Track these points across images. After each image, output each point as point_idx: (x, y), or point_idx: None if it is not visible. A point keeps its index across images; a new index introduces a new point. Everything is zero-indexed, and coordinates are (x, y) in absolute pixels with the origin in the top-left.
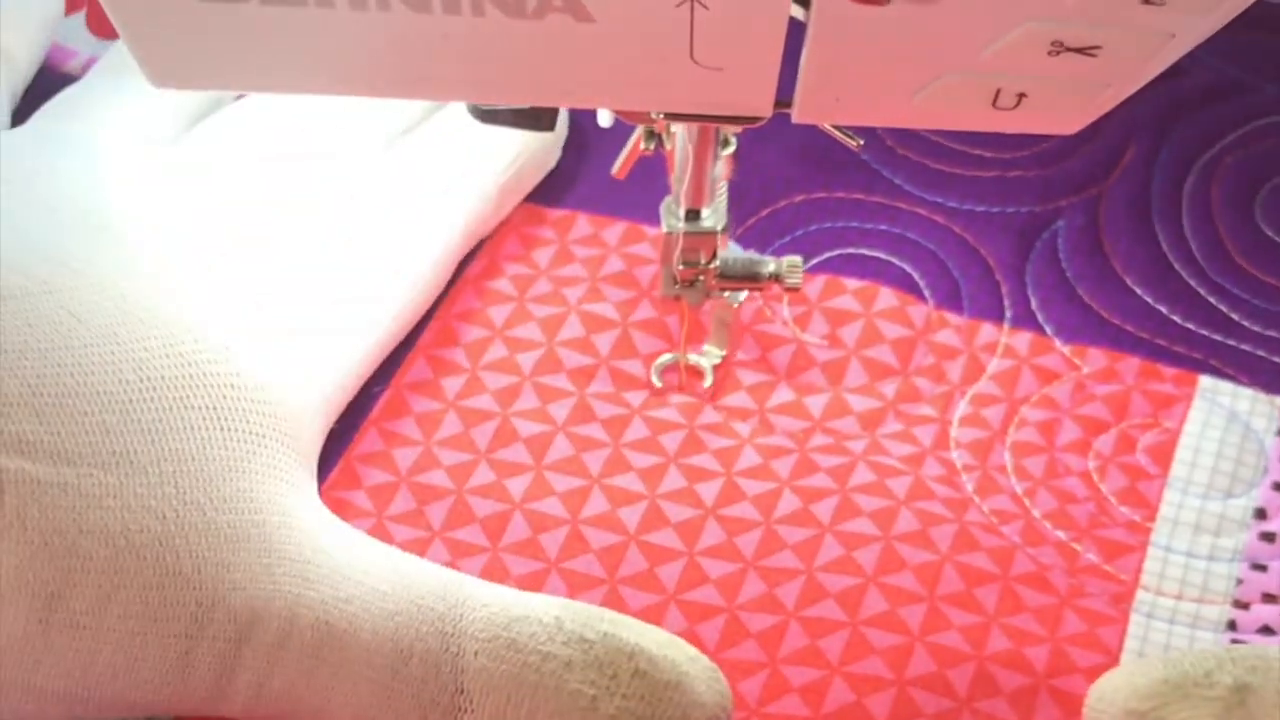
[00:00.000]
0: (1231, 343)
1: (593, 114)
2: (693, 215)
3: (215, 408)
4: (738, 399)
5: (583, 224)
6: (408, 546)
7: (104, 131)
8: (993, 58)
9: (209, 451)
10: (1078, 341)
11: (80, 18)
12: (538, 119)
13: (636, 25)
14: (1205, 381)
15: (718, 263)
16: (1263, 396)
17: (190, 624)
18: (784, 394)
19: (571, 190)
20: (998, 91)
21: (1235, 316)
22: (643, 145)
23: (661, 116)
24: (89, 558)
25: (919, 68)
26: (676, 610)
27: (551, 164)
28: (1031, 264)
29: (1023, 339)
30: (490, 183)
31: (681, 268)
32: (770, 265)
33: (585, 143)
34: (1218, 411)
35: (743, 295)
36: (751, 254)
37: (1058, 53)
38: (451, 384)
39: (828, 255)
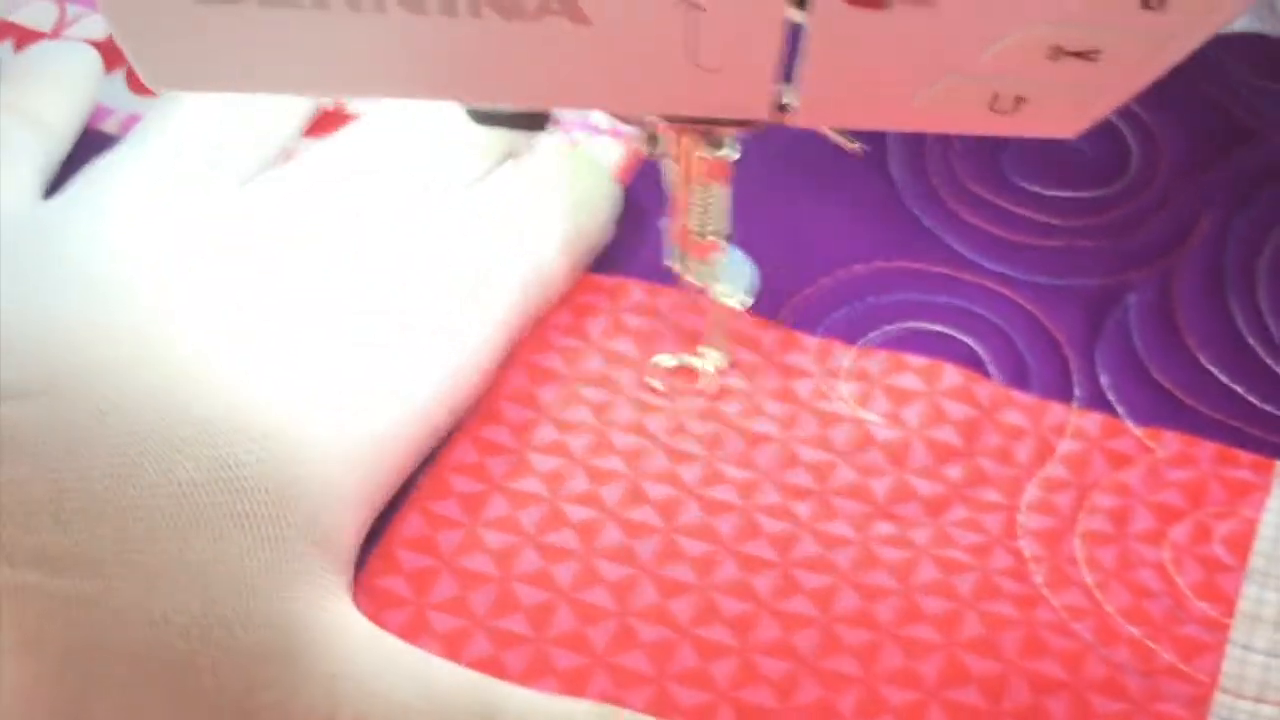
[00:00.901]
0: None
1: (645, 181)
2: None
3: (246, 514)
4: (798, 477)
5: (636, 292)
6: (449, 637)
7: (137, 205)
8: (992, 61)
9: (238, 562)
10: (1151, 424)
11: (120, 76)
12: (533, 120)
13: (633, 27)
14: None
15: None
16: None
17: None
18: (846, 474)
19: (624, 256)
20: (996, 95)
21: None
22: (643, 148)
23: (660, 119)
24: (109, 677)
25: (917, 71)
26: (729, 710)
27: (610, 228)
28: (1101, 340)
29: (1093, 420)
30: (550, 248)
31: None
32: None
33: (637, 205)
34: None
35: (745, 297)
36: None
37: (1057, 57)
38: (497, 465)
39: (887, 329)
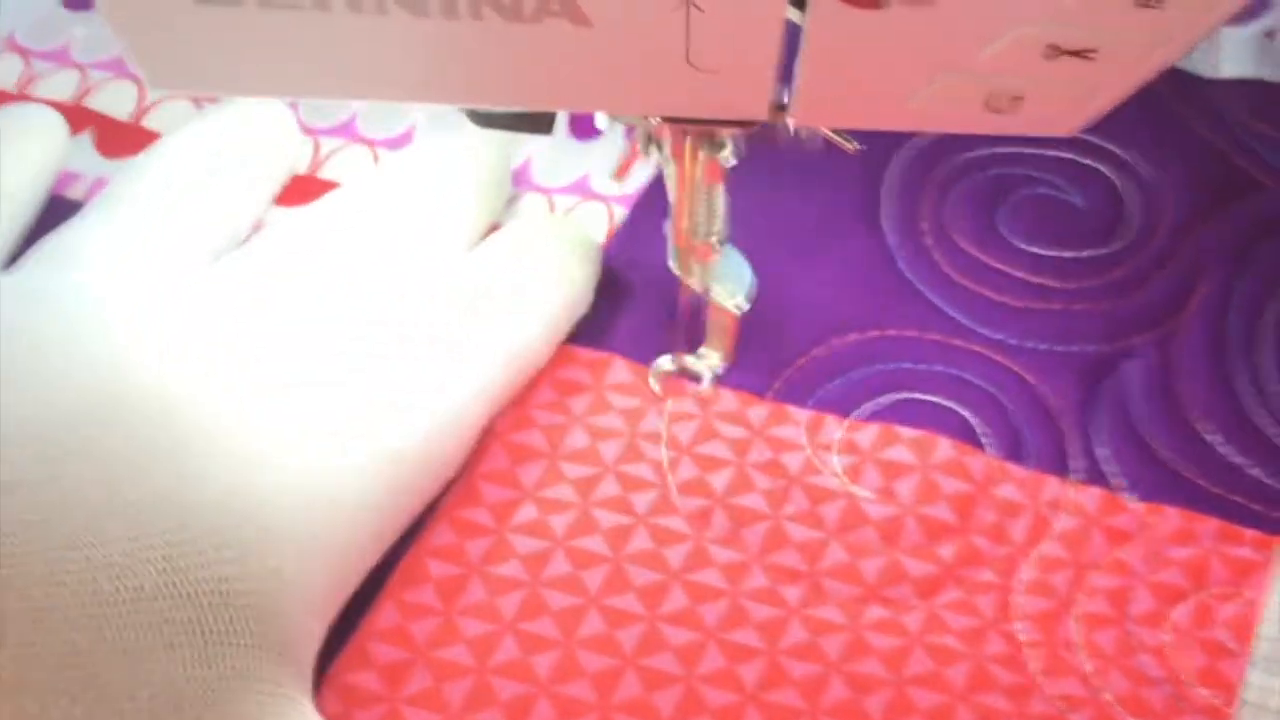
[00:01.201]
0: None
1: (632, 249)
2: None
3: (200, 621)
4: (787, 557)
5: (620, 369)
6: None
7: (98, 281)
8: (988, 60)
9: (191, 673)
10: (1151, 499)
11: (88, 138)
12: (535, 122)
13: (633, 29)
14: None
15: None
16: None
17: None
18: (836, 554)
19: (607, 330)
20: (993, 94)
21: None
22: (641, 149)
23: (659, 120)
24: None
25: (914, 71)
26: None
27: (585, 306)
28: (1098, 410)
29: (1091, 495)
30: (529, 339)
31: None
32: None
33: (623, 278)
34: None
35: (740, 298)
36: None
37: (1054, 56)
38: (476, 547)
39: (879, 400)
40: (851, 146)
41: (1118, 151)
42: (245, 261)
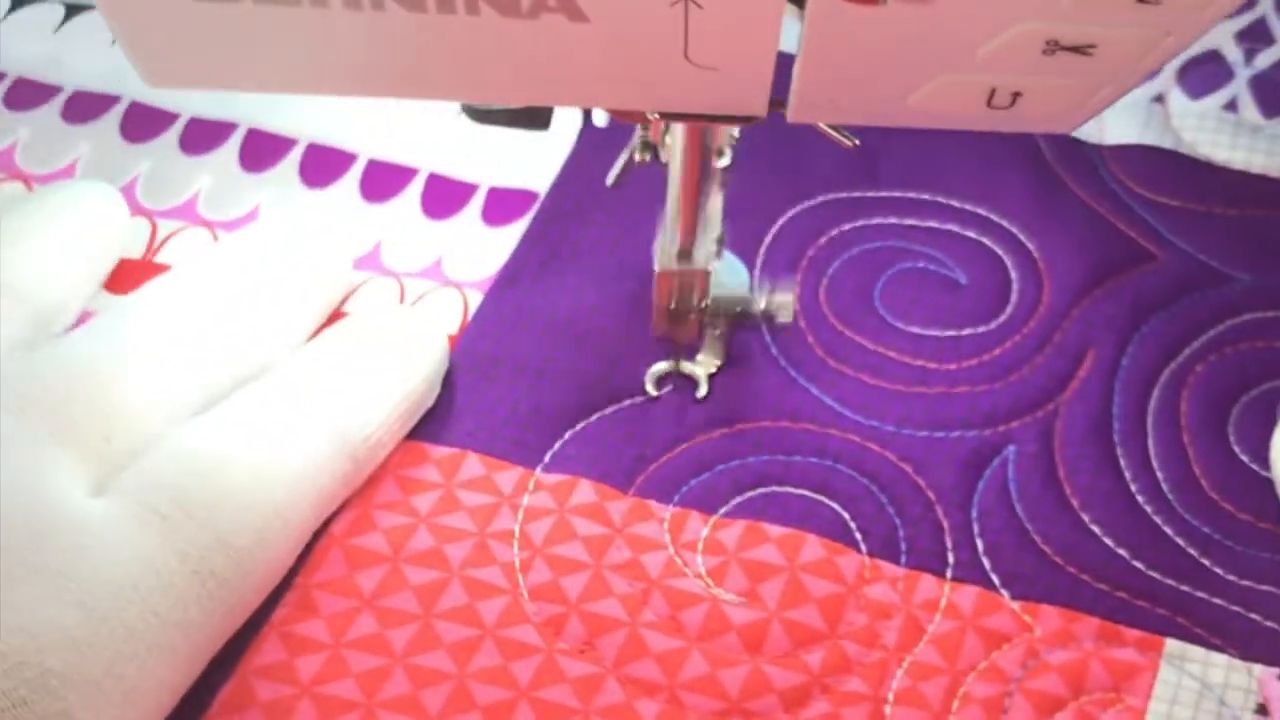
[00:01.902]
0: (1202, 595)
1: (487, 337)
2: (684, 255)
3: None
4: (645, 668)
5: (473, 464)
6: None
7: None
8: (988, 57)
9: None
10: (1029, 597)
11: None
12: (533, 119)
13: (631, 24)
14: (1172, 645)
15: (709, 300)
16: (1238, 664)
17: None
18: (697, 665)
19: (462, 423)
20: (993, 91)
21: (1206, 562)
22: (638, 156)
23: (657, 116)
24: None
25: (914, 68)
26: None
27: (429, 403)
28: (979, 500)
29: (968, 594)
30: (372, 430)
31: (674, 305)
32: (761, 303)
33: (477, 369)
34: (1187, 684)
35: (738, 306)
36: (741, 291)
37: (1053, 52)
38: (309, 665)
39: (749, 495)
40: (850, 143)
41: (1002, 222)
42: (61, 351)
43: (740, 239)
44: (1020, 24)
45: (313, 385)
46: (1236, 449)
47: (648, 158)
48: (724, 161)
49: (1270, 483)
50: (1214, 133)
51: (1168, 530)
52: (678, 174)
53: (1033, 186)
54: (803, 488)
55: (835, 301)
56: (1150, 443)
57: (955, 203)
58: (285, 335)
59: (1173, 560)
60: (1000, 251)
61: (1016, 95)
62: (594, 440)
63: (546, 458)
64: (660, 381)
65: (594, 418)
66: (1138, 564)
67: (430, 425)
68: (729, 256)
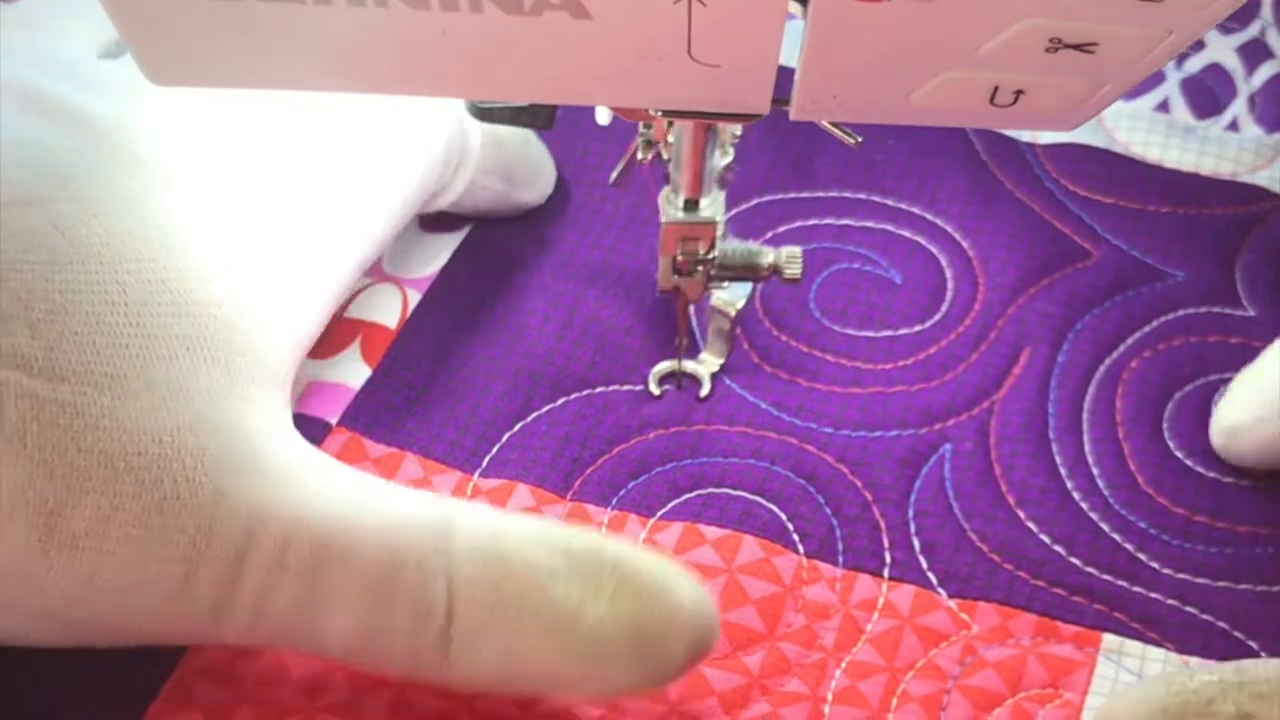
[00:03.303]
0: (1138, 590)
1: (427, 336)
2: (691, 205)
3: (197, 338)
4: None
5: (412, 465)
6: None
7: (73, 46)
8: (990, 55)
9: (194, 381)
10: (966, 595)
11: None
12: (536, 116)
13: (634, 22)
14: (1109, 640)
15: (716, 253)
16: (1174, 656)
17: (189, 548)
18: None
19: (401, 422)
20: (995, 88)
21: (1142, 557)
22: (640, 154)
23: (659, 113)
24: (88, 478)
25: (917, 65)
26: None
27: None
28: (915, 499)
29: (905, 593)
30: (432, 151)
31: (681, 257)
32: (769, 256)
33: (418, 367)
34: (1125, 679)
35: (741, 302)
36: (750, 244)
37: (1055, 49)
38: (249, 667)
39: (686, 497)
40: (853, 140)
41: (937, 221)
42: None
43: None
44: (1023, 21)
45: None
46: (1171, 444)
47: (650, 156)
48: (727, 159)
49: (1204, 477)
50: (1146, 133)
51: (1103, 526)
52: (681, 130)
53: (968, 185)
54: (740, 489)
55: (770, 304)
56: (1085, 439)
57: (890, 201)
58: None
59: (1108, 556)
60: (935, 250)
61: (1019, 93)
62: (531, 442)
63: (484, 462)
64: (662, 380)
65: (530, 418)
66: (1074, 560)
67: (368, 420)
68: (731, 238)
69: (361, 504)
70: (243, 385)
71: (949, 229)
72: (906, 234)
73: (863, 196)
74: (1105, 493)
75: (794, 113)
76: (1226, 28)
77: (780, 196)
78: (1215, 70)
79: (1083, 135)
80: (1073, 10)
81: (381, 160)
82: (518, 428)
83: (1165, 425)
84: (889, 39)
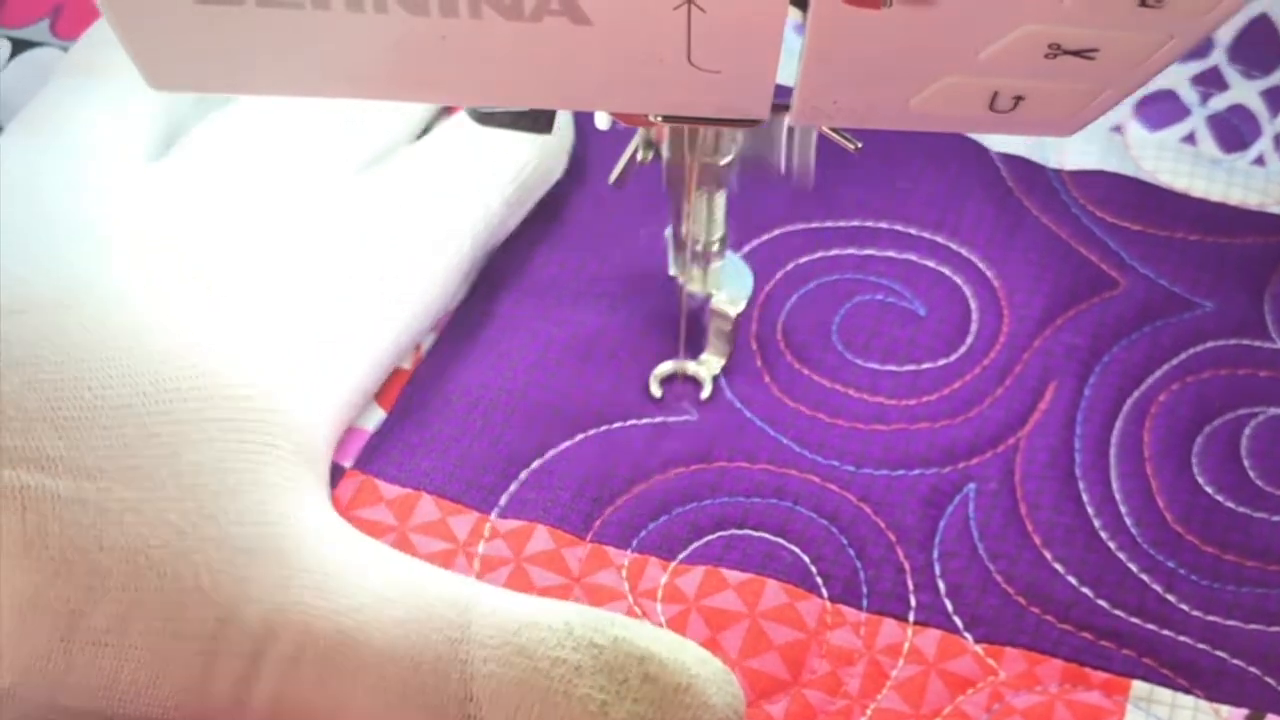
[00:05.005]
0: (1168, 634)
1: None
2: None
3: (230, 420)
4: None
5: (427, 507)
6: None
7: (90, 144)
8: (990, 60)
9: (225, 464)
10: (993, 640)
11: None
12: (536, 121)
13: (633, 28)
14: (1139, 688)
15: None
16: (1205, 705)
17: (210, 639)
18: None
19: (417, 462)
20: (995, 94)
21: (1171, 599)
22: (640, 155)
23: (659, 118)
24: (109, 575)
25: (916, 71)
26: None
27: (559, 172)
28: (940, 540)
29: (930, 638)
30: (495, 196)
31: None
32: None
33: (433, 405)
34: None
35: (742, 303)
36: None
37: (1055, 55)
38: None
39: (707, 539)
40: (854, 146)
41: (961, 251)
42: (205, 145)
43: None
44: (1022, 27)
45: (448, 154)
46: (1200, 480)
47: (650, 156)
48: (727, 159)
49: (1234, 513)
50: (1173, 161)
51: (1132, 566)
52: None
53: (993, 211)
54: (762, 530)
55: (792, 338)
56: (1113, 475)
57: (914, 230)
58: (392, 134)
59: (1137, 598)
60: (960, 281)
61: (1019, 98)
62: (550, 481)
63: (502, 500)
64: (664, 382)
65: (549, 455)
66: (1102, 602)
67: (383, 462)
68: (733, 257)
69: (382, 595)
70: (276, 465)
71: (974, 259)
72: (930, 264)
73: (884, 225)
74: (1133, 530)
75: (793, 118)
76: (1249, 73)
77: (802, 226)
78: (1240, 111)
79: (1109, 162)
80: (1072, 16)
81: (414, 248)
82: (536, 464)
83: (1194, 460)
84: (888, 45)
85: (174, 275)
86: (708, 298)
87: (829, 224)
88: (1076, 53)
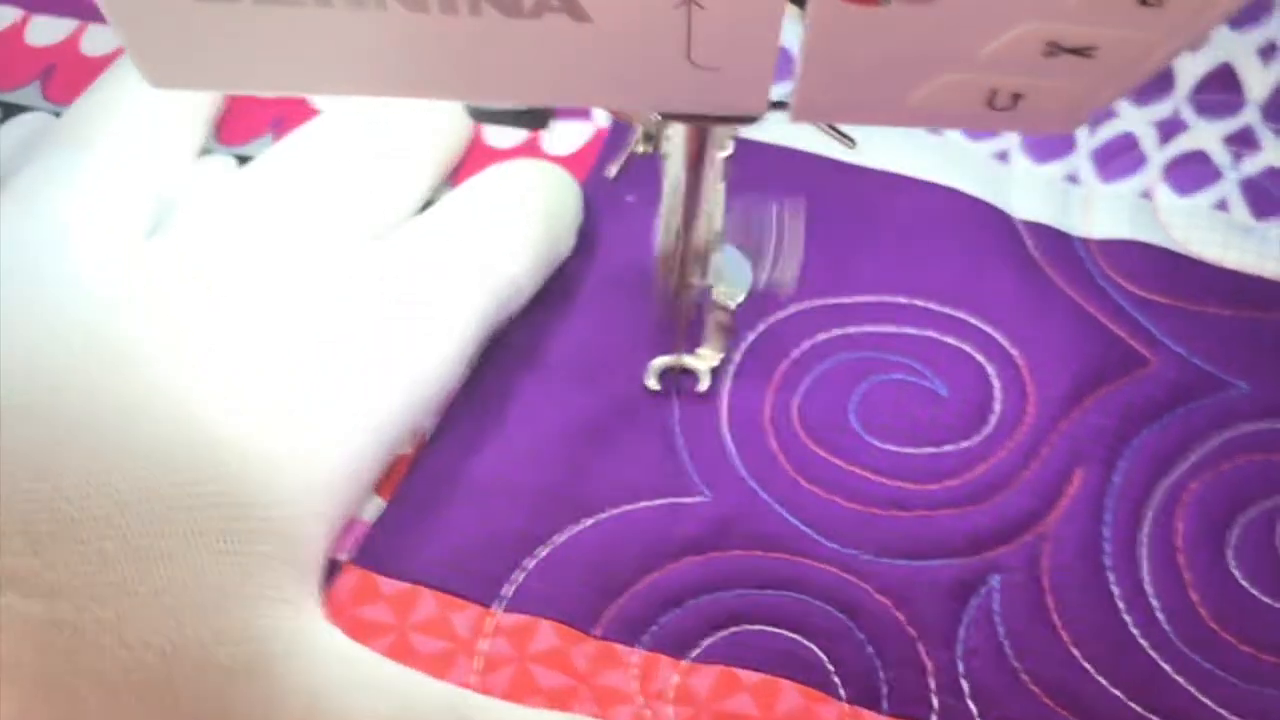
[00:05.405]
0: None
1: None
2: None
3: (217, 530)
4: None
5: (427, 603)
6: None
7: (75, 221)
8: (989, 58)
9: (209, 579)
10: None
11: None
12: (535, 118)
13: (633, 25)
14: None
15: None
16: None
17: None
18: None
19: (417, 554)
20: (994, 92)
21: (1208, 701)
22: (640, 148)
23: (657, 116)
24: (85, 700)
25: (915, 68)
26: None
27: (567, 249)
28: (963, 636)
29: None
30: (503, 274)
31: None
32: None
33: (434, 491)
34: None
35: (741, 295)
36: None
37: (1054, 53)
38: None
39: (720, 635)
40: (850, 144)
41: (984, 327)
42: (197, 222)
43: None
44: (1021, 25)
45: (454, 229)
46: (1236, 573)
47: (649, 149)
48: (726, 152)
49: (1271, 609)
50: (1205, 230)
51: (1165, 666)
52: (678, 165)
53: (1017, 284)
54: (778, 626)
55: (808, 418)
56: (1144, 567)
57: (934, 305)
58: (417, 183)
59: (1170, 699)
60: (982, 359)
61: (1017, 96)
62: (555, 571)
63: (506, 591)
64: (662, 376)
65: (555, 542)
66: (1134, 705)
67: (382, 555)
68: (730, 250)
69: (373, 710)
70: (263, 576)
71: (997, 335)
72: (951, 341)
73: (903, 300)
74: (1165, 627)
75: (792, 115)
76: None
77: (818, 303)
78: (1273, 174)
79: (1139, 231)
80: (1071, 14)
81: (420, 330)
82: (542, 553)
83: (1229, 552)
84: (887, 42)
85: (165, 365)
86: (706, 290)
87: (845, 299)
88: (1075, 51)
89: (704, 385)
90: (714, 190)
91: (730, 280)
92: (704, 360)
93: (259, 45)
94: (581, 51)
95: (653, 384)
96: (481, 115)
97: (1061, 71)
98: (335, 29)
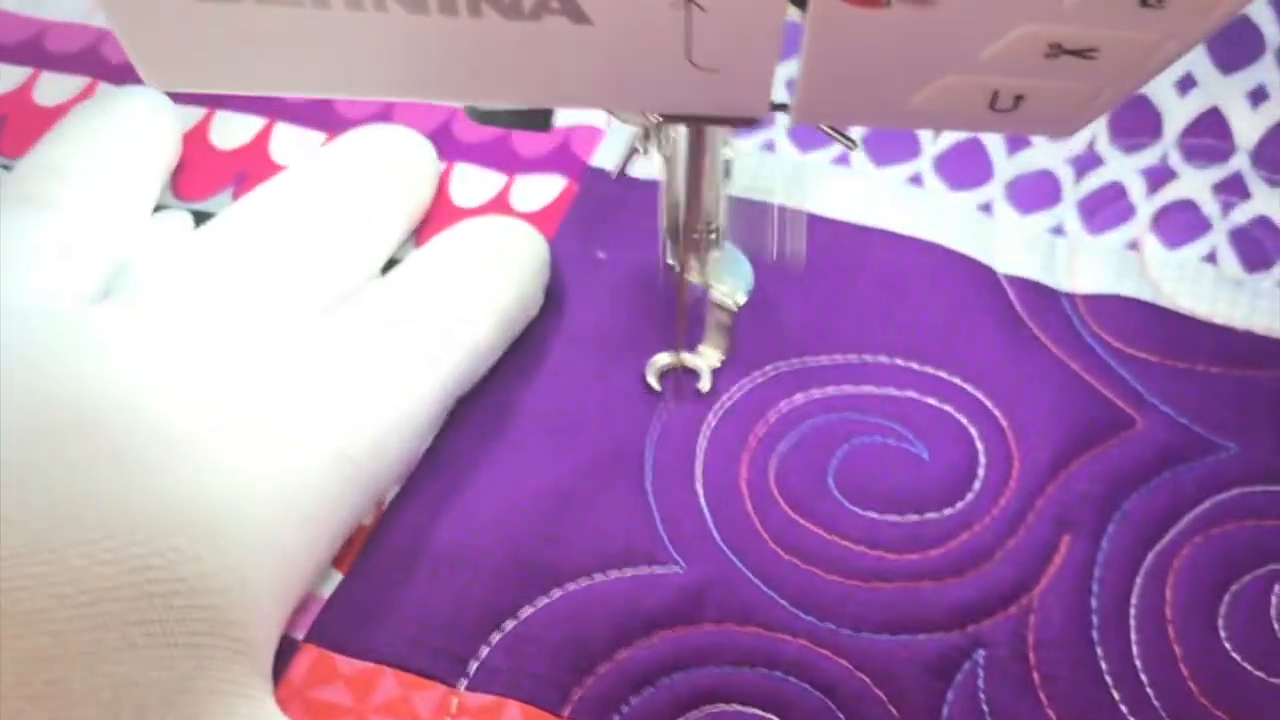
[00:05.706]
0: None
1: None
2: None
3: (159, 621)
4: None
5: (389, 684)
6: None
7: (33, 287)
8: (990, 60)
9: (152, 675)
10: None
11: None
12: (535, 119)
13: (633, 27)
14: None
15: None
16: None
17: None
18: None
19: (377, 631)
20: (995, 93)
21: None
22: (640, 147)
23: (657, 117)
24: None
25: (917, 70)
26: None
27: (535, 309)
28: (947, 714)
29: None
30: (469, 338)
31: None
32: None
33: (397, 560)
34: None
35: (742, 295)
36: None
37: (1055, 55)
38: None
39: (692, 715)
40: (852, 145)
41: (966, 387)
42: (191, 262)
43: (679, 424)
44: (1022, 27)
45: (419, 290)
46: (1228, 645)
47: (650, 148)
48: (728, 153)
49: (1266, 684)
50: (1194, 284)
51: None
52: (678, 165)
53: (1001, 343)
54: (753, 706)
55: (784, 483)
56: (1133, 640)
57: (915, 365)
58: (381, 241)
59: None
60: (965, 421)
61: (1019, 98)
62: (523, 646)
63: (470, 668)
64: (662, 376)
65: (523, 616)
66: None
67: (340, 632)
68: (730, 249)
69: None
70: (211, 670)
71: (980, 396)
72: (933, 402)
73: (884, 360)
74: (1156, 704)
75: (794, 117)
76: (1273, 180)
77: (797, 364)
78: (1263, 224)
79: (1125, 285)
80: (1072, 16)
81: (384, 397)
82: (509, 627)
83: (1221, 623)
84: (888, 44)
85: (102, 447)
86: (706, 290)
87: (824, 359)
88: (1077, 52)
89: (705, 385)
90: (714, 190)
91: (731, 279)
92: (704, 358)
93: (259, 45)
94: (581, 53)
95: (653, 384)
96: (482, 116)
97: (1063, 73)
98: (335, 30)
